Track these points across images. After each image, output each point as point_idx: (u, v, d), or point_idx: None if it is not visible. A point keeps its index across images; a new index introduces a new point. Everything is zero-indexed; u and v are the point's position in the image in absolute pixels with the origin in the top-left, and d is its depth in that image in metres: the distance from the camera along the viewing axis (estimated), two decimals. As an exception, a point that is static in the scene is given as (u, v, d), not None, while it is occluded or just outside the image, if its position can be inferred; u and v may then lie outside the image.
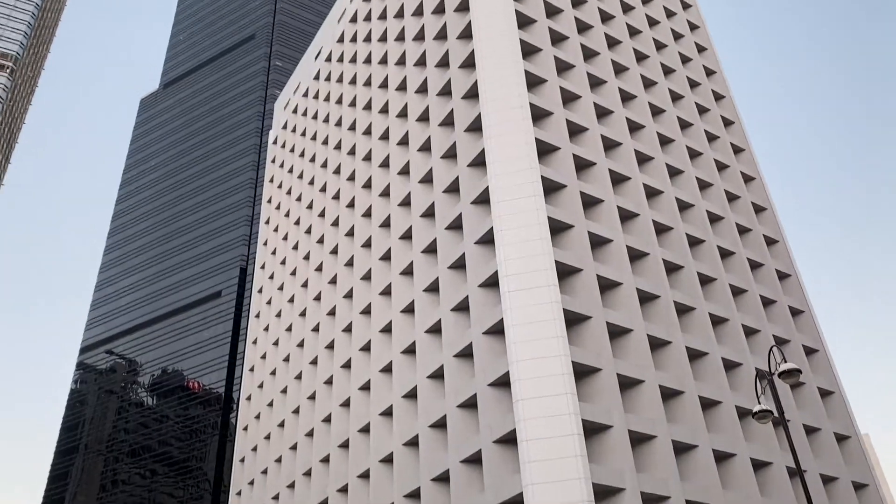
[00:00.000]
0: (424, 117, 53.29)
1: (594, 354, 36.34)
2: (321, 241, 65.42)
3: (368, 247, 55.69)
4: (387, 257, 52.12)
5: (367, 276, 54.11)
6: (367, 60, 67.39)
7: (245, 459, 67.01)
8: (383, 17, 66.89)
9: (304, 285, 66.01)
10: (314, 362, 58.93)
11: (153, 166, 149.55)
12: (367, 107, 64.09)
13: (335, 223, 63.32)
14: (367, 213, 57.49)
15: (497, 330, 38.09)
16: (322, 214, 67.13)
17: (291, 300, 68.23)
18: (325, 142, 72.29)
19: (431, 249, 46.86)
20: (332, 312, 58.35)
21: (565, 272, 39.56)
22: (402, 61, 60.03)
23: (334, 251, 61.67)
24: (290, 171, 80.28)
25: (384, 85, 62.01)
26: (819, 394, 46.83)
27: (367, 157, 60.80)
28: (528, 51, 49.44)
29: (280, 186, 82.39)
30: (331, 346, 56.84)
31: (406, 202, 51.81)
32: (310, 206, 71.00)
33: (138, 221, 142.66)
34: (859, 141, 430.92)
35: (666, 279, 42.95)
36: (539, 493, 31.15)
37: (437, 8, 56.49)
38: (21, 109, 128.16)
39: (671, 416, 38.15)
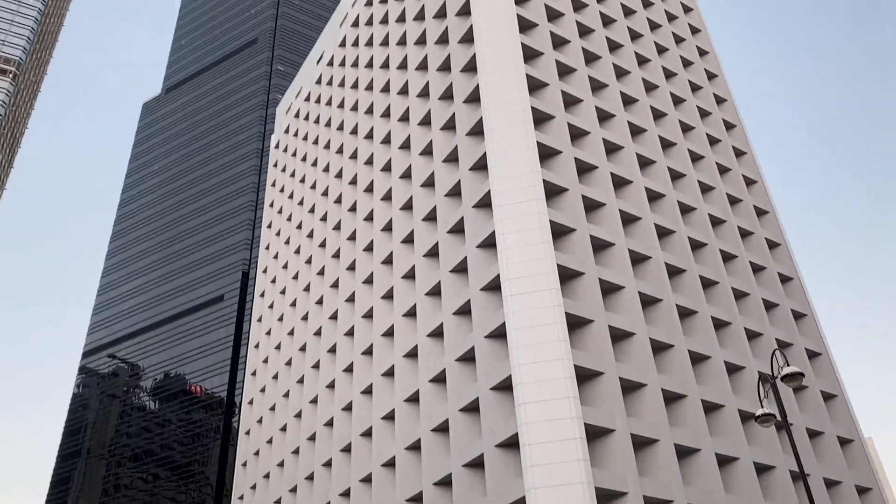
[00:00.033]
0: (426, 121, 53.35)
1: (596, 358, 36.30)
2: (323, 244, 65.46)
3: (370, 250, 55.72)
4: (388, 261, 52.14)
5: (368, 280, 54.13)
6: (369, 64, 67.50)
7: (247, 463, 66.97)
8: (385, 21, 67.02)
9: (306, 289, 66.05)
10: (316, 366, 58.93)
11: (156, 170, 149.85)
12: (369, 111, 64.18)
13: (337, 227, 63.37)
14: (369, 217, 57.53)
15: (499, 334, 38.07)
16: (324, 218, 67.19)
17: (293, 304, 68.27)
18: (327, 146, 72.38)
19: (433, 253, 46.87)
20: (333, 316, 58.37)
21: (567, 276, 39.55)
22: (403, 65, 60.12)
23: (336, 255, 61.71)
24: (293, 175, 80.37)
25: (386, 89, 62.10)
26: (822, 397, 46.73)
27: (369, 161, 60.87)
28: (530, 55, 49.50)
29: (282, 190, 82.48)
30: (333, 350, 56.84)
31: (408, 206, 51.85)
32: (312, 210, 71.06)
33: (141, 225, 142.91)
34: (859, 141, 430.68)
35: (668, 283, 42.92)
36: (541, 498, 31.10)
37: (439, 12, 56.59)
38: (24, 114, 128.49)
39: (674, 420, 38.09)
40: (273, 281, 76.05)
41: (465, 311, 41.63)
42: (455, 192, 46.72)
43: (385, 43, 65.42)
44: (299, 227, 73.14)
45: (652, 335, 39.64)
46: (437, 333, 43.42)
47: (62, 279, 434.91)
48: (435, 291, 45.12)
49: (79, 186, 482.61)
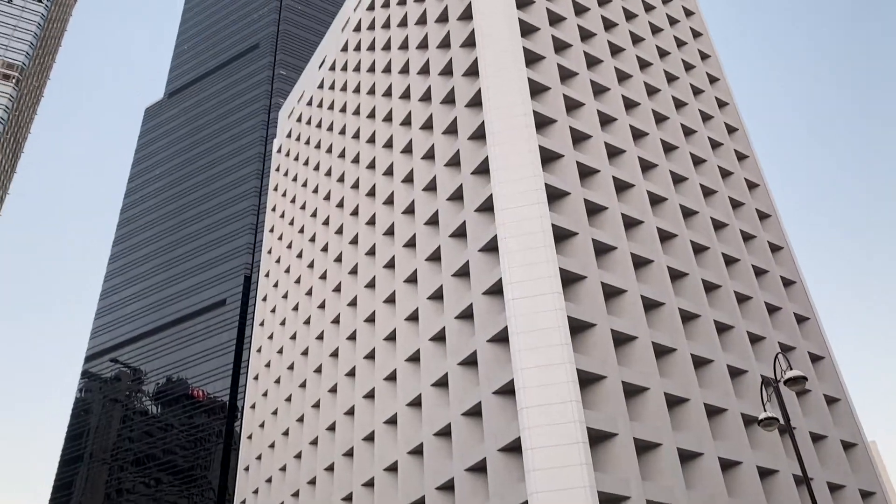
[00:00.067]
0: (428, 125, 53.41)
1: (599, 362, 36.26)
2: (325, 249, 65.51)
3: (372, 255, 55.74)
4: (391, 265, 52.15)
5: (371, 284, 54.14)
6: (371, 69, 67.62)
7: (249, 468, 66.93)
8: (387, 26, 67.14)
9: (309, 293, 66.06)
10: (318, 370, 58.92)
11: (158, 175, 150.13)
12: (371, 115, 64.27)
13: (339, 231, 63.41)
14: (371, 222, 57.56)
15: (501, 338, 38.04)
16: (326, 223, 67.24)
17: (296, 308, 68.28)
18: (330, 150, 72.47)
19: (435, 257, 46.89)
20: (336, 320, 58.37)
21: (569, 279, 39.53)
22: (405, 70, 60.21)
23: (338, 259, 61.74)
24: (295, 179, 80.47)
25: (388, 93, 62.19)
26: (825, 401, 46.63)
27: (371, 166, 60.93)
28: (532, 59, 49.56)
29: (284, 195, 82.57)
30: (335, 355, 56.83)
31: (410, 210, 51.88)
32: (314, 215, 71.13)
33: (143, 230, 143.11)
34: (859, 141, 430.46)
35: (671, 286, 42.88)
36: (544, 502, 31.03)
37: (441, 17, 56.69)
38: (27, 119, 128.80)
39: (676, 424, 38.02)
40: (275, 285, 76.09)
41: (467, 314, 41.62)
42: (457, 196, 46.74)
43: (387, 47, 65.53)
44: (301, 231, 73.19)
45: (654, 339, 39.60)
46: (439, 337, 43.41)
47: (65, 284, 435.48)
48: (437, 295, 45.12)
49: (81, 191, 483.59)
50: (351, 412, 51.06)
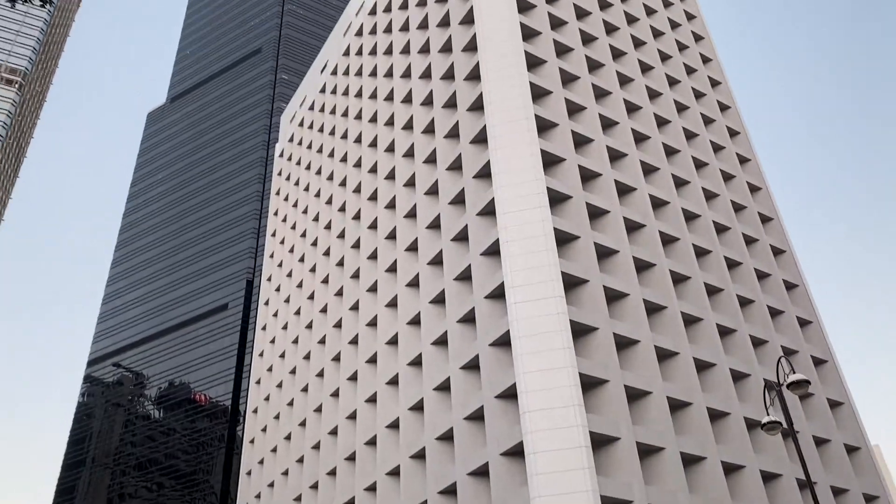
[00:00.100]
0: (430, 129, 53.45)
1: (601, 366, 36.21)
2: (327, 253, 65.52)
3: (374, 259, 55.74)
4: (392, 269, 52.14)
5: (373, 288, 54.13)
6: (373, 73, 67.70)
7: (252, 472, 66.87)
8: (389, 30, 67.25)
9: (311, 297, 66.06)
10: (320, 374, 58.89)
11: (160, 179, 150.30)
12: (373, 119, 64.34)
13: (341, 235, 63.43)
14: (373, 226, 57.58)
15: (503, 341, 38.00)
16: (328, 227, 67.27)
17: (298, 312, 68.28)
18: (331, 154, 72.54)
19: (437, 261, 46.88)
20: (338, 325, 58.36)
21: (571, 283, 39.49)
22: (407, 74, 60.29)
23: (340, 263, 61.75)
24: (297, 183, 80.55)
25: (390, 97, 62.26)
26: (828, 405, 46.53)
27: (373, 170, 60.97)
28: (533, 63, 49.61)
29: (286, 199, 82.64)
30: (337, 359, 56.80)
31: (412, 214, 51.88)
32: (316, 219, 71.16)
33: (145, 234, 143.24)
34: (859, 141, 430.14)
35: (673, 290, 42.83)
36: (547, 506, 30.93)
37: (443, 21, 56.77)
38: (30, 124, 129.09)
39: (679, 428, 37.93)
40: (277, 289, 76.10)
41: (469, 319, 41.59)
42: (459, 200, 46.75)
43: (389, 52, 65.63)
44: (303, 235, 73.23)
45: (657, 343, 39.54)
46: (442, 341, 43.37)
47: (67, 288, 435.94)
48: (439, 299, 45.09)
49: (84, 195, 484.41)
50: (353, 416, 51.01)
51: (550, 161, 44.49)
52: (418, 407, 43.42)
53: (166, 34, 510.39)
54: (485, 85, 46.83)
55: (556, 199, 42.82)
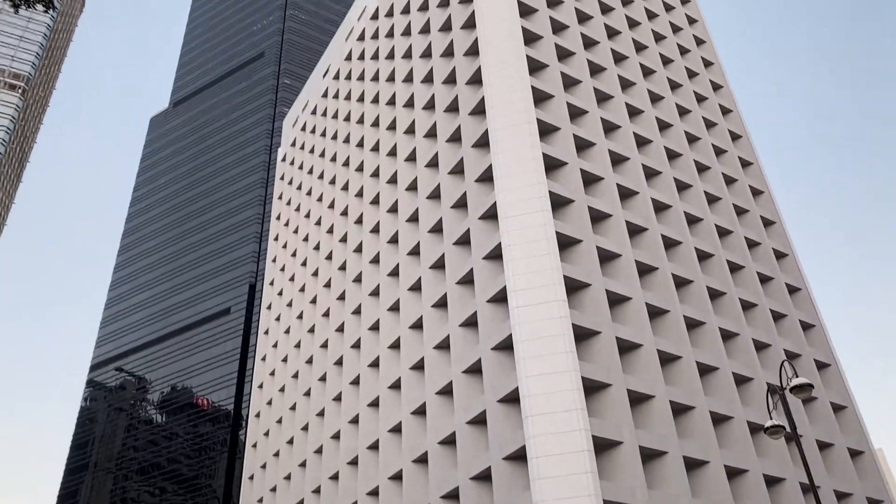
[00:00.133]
0: (432, 133, 53.52)
1: (604, 370, 36.17)
2: (329, 257, 65.57)
3: (377, 263, 55.77)
4: (395, 273, 52.16)
5: (375, 292, 54.15)
6: (375, 78, 67.83)
7: (254, 477, 66.83)
8: (391, 34, 67.38)
9: (313, 301, 66.09)
10: (323, 379, 58.89)
11: (163, 184, 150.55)
12: (375, 123, 64.43)
13: (343, 239, 63.48)
14: (376, 230, 57.63)
15: (506, 346, 37.98)
16: (331, 231, 67.32)
17: (300, 316, 68.30)
18: (334, 158, 72.64)
19: (439, 265, 46.89)
20: (340, 329, 58.37)
21: (574, 287, 39.47)
22: (409, 78, 60.38)
23: (343, 267, 61.78)
24: (299, 187, 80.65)
25: (392, 102, 62.35)
26: (832, 408, 46.42)
27: (375, 174, 61.04)
28: (535, 67, 49.68)
29: (289, 203, 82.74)
30: (339, 363, 56.81)
31: (414, 218, 51.92)
32: (318, 223, 71.24)
33: (148, 238, 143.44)
34: (859, 142, 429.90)
35: (675, 294, 42.79)
36: (549, 511, 30.88)
37: (444, 25, 56.88)
38: (33, 129, 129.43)
39: (682, 432, 37.87)
40: (280, 293, 76.15)
41: (471, 322, 41.58)
42: (461, 204, 46.78)
43: (391, 56, 65.74)
44: (306, 239, 73.30)
45: (659, 346, 39.49)
46: (444, 345, 43.35)
47: (70, 293, 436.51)
48: (441, 303, 45.10)
49: (86, 200, 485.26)
50: (356, 420, 50.99)
51: (552, 165, 44.52)
52: (420, 411, 43.39)
53: (169, 39, 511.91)
54: (486, 89, 46.88)
55: (558, 203, 42.83)
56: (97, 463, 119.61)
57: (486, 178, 44.96)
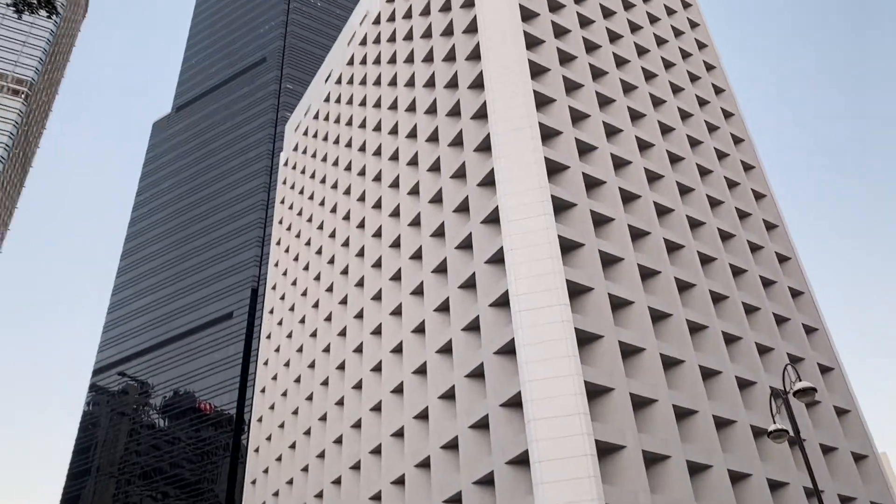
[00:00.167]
0: (434, 137, 53.56)
1: (607, 374, 36.11)
2: (332, 261, 65.60)
3: (379, 266, 55.78)
4: (397, 277, 52.16)
5: (377, 296, 54.14)
6: (377, 82, 67.91)
7: (256, 481, 66.79)
8: (392, 39, 67.49)
9: (315, 306, 66.10)
10: (325, 383, 58.87)
11: (165, 189, 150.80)
12: (377, 128, 64.49)
13: (346, 244, 63.50)
14: (378, 234, 57.65)
15: (508, 350, 37.94)
16: (333, 235, 67.36)
17: (302, 321, 68.31)
18: (336, 163, 72.72)
19: (441, 269, 46.88)
20: (342, 333, 58.36)
21: (576, 291, 39.43)
22: (411, 83, 60.46)
23: (345, 272, 61.80)
24: (301, 192, 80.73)
25: (394, 106, 62.42)
26: (835, 412, 46.29)
27: (377, 178, 61.09)
28: (537, 71, 49.70)
29: (291, 208, 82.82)
30: (342, 367, 56.78)
31: (416, 222, 51.94)
32: (320, 227, 71.29)
33: (151, 243, 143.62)
34: (859, 143, 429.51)
35: (678, 297, 42.73)
36: (552, 515, 30.81)
37: (446, 30, 56.96)
38: (35, 133, 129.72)
39: (685, 436, 37.78)
40: (282, 298, 76.17)
41: (473, 327, 41.55)
42: (463, 208, 46.78)
43: (393, 61, 65.84)
44: (308, 243, 73.34)
45: (662, 350, 39.43)
46: (446, 350, 43.32)
47: (72, 297, 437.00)
48: (443, 307, 45.07)
49: (89, 204, 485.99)
50: (358, 425, 50.94)
51: (554, 169, 44.52)
52: (423, 415, 43.34)
53: (172, 44, 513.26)
54: (488, 93, 46.91)
55: (561, 207, 42.81)
56: (100, 467, 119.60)
57: (488, 181, 44.97)
